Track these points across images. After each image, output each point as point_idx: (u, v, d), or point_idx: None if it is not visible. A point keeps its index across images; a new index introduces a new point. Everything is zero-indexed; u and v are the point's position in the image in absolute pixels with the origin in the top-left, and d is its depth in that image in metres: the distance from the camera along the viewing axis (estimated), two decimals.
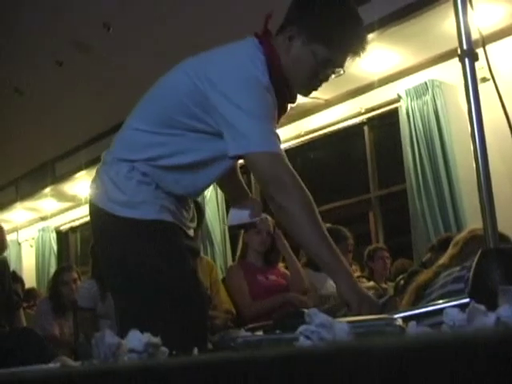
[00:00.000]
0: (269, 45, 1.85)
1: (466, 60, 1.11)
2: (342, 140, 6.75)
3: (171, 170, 1.91)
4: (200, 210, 3.18)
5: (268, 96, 1.77)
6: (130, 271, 1.89)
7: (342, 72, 1.91)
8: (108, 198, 1.91)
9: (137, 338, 0.67)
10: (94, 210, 1.97)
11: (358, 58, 1.92)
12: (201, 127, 1.84)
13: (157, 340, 0.71)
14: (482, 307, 0.79)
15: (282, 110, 1.91)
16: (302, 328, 0.82)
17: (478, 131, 1.21)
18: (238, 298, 3.88)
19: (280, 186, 1.76)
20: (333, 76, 1.91)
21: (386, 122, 6.24)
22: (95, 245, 2.32)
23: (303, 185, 1.79)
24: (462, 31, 1.13)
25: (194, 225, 2.13)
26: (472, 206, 4.81)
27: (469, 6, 1.24)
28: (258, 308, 3.77)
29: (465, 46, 1.13)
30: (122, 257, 1.91)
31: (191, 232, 2.11)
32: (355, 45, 1.91)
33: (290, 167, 1.78)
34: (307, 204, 1.77)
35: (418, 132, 5.52)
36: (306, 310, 1.09)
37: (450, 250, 2.49)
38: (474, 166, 1.25)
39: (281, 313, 3.36)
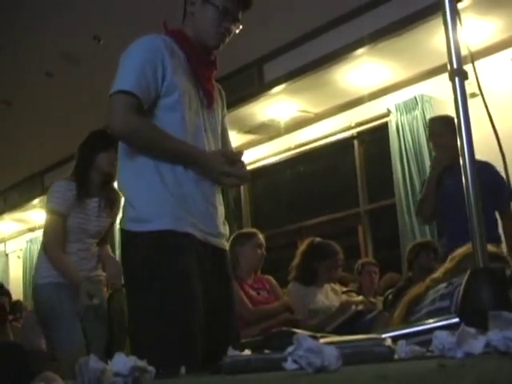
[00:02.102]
0: (171, 30, 2.16)
1: (456, 79, 1.11)
2: (332, 154, 6.75)
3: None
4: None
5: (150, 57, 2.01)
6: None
7: (240, 27, 2.18)
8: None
9: (122, 362, 0.66)
10: None
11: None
12: None
13: (143, 363, 0.69)
14: (472, 330, 0.78)
15: (210, 66, 2.18)
16: (290, 349, 0.80)
17: (468, 149, 1.21)
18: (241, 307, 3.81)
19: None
20: (237, 31, 2.17)
21: (376, 136, 6.26)
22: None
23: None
24: (452, 50, 1.13)
25: (225, 231, 2.16)
26: None
27: (458, 22, 1.24)
28: (260, 314, 3.77)
29: (455, 65, 1.13)
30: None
31: (215, 239, 2.10)
32: None
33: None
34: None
35: (407, 146, 5.54)
36: (295, 330, 1.08)
37: (446, 265, 2.48)
38: (464, 181, 1.25)
39: (270, 332, 3.35)
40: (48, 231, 3.20)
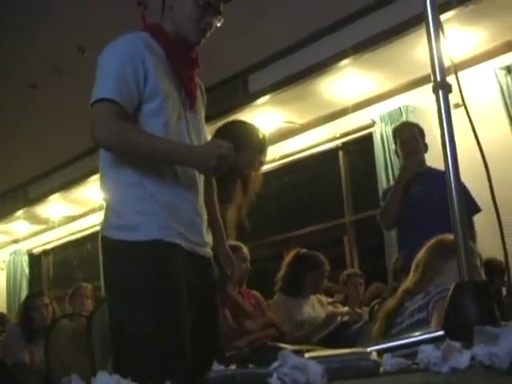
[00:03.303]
0: (149, 25, 2.10)
1: (440, 92, 1.11)
2: (317, 164, 6.77)
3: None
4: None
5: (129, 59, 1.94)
6: None
7: (222, 20, 2.11)
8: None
9: (105, 381, 0.65)
10: None
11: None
12: None
13: (126, 381, 0.68)
14: (457, 345, 0.78)
15: (191, 64, 2.11)
16: (275, 365, 0.80)
17: (452, 161, 1.21)
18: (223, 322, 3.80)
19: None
20: (218, 24, 2.10)
21: (361, 147, 6.28)
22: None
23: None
24: (436, 63, 1.14)
25: (209, 239, 2.12)
26: None
27: (441, 34, 1.25)
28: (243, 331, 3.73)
29: (438, 78, 1.13)
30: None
31: (201, 249, 2.07)
32: None
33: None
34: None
35: (392, 156, 5.56)
36: (280, 345, 1.07)
37: (414, 275, 2.49)
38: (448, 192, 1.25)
39: (255, 346, 3.33)
40: None
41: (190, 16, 2.04)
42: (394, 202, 3.93)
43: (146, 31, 2.07)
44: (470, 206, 3.73)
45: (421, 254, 2.54)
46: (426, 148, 4.10)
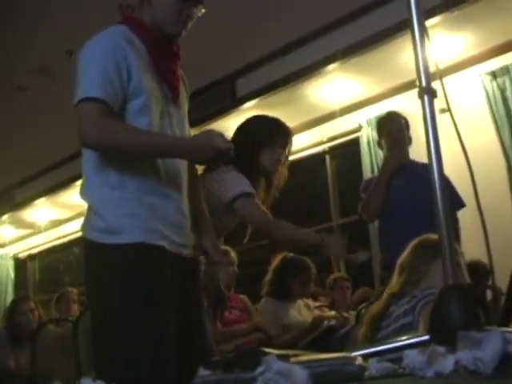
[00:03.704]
0: (128, 17, 2.04)
1: (425, 97, 1.12)
2: (304, 168, 6.77)
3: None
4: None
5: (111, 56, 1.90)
6: None
7: (203, 10, 2.06)
8: None
9: None
10: None
11: None
12: None
13: None
14: (442, 349, 0.78)
15: (173, 58, 2.07)
16: (260, 370, 0.80)
17: (438, 166, 1.21)
18: None
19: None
20: (199, 14, 2.05)
21: (348, 151, 6.29)
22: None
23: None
24: (421, 69, 1.14)
25: (194, 240, 2.09)
26: None
27: (426, 39, 1.26)
28: (230, 335, 3.73)
29: (424, 84, 1.14)
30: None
31: (186, 251, 2.04)
32: None
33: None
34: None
35: (378, 161, 5.58)
36: (265, 350, 1.07)
37: (398, 277, 2.48)
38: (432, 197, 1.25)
39: (240, 351, 3.32)
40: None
41: (170, 8, 1.99)
42: (377, 193, 3.82)
43: (125, 24, 2.02)
44: (455, 201, 3.69)
45: (404, 256, 2.53)
46: (410, 141, 4.01)
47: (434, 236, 2.62)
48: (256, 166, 2.73)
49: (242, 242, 2.85)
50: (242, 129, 2.88)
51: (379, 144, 4.17)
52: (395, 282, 2.47)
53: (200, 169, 2.64)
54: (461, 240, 3.68)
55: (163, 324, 1.88)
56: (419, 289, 2.37)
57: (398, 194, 3.77)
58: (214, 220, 2.58)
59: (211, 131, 1.96)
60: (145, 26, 2.02)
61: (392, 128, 3.97)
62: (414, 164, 3.93)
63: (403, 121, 4.02)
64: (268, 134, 2.76)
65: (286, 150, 2.82)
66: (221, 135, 1.92)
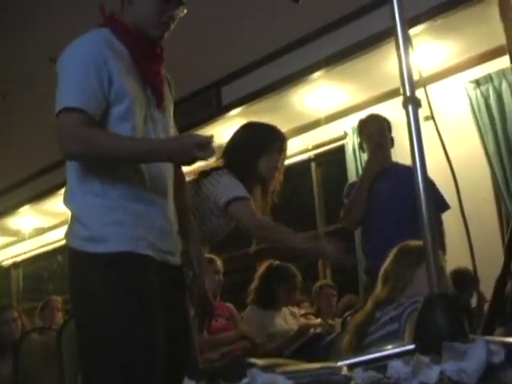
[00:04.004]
0: (108, 19, 2.00)
1: (410, 107, 1.12)
2: (290, 176, 6.73)
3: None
4: None
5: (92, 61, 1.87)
6: None
7: (185, 11, 2.02)
8: None
9: None
10: None
11: None
12: None
13: None
14: (427, 359, 0.78)
15: (157, 60, 2.03)
16: (245, 381, 0.79)
17: (422, 175, 1.21)
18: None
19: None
20: (181, 15, 2.01)
21: (333, 159, 6.30)
22: None
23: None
24: (405, 79, 1.15)
25: (180, 247, 2.06)
26: None
27: (410, 48, 1.26)
28: (215, 343, 3.70)
29: (408, 93, 1.14)
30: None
31: (173, 258, 2.02)
32: None
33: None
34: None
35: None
36: (250, 361, 1.07)
37: (383, 286, 2.49)
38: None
39: (226, 361, 3.30)
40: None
41: (151, 10, 1.95)
42: (359, 198, 3.72)
43: (106, 26, 1.98)
44: (439, 203, 3.67)
45: (388, 264, 2.54)
46: (392, 143, 3.93)
47: (416, 242, 2.64)
48: (253, 172, 2.74)
49: (237, 249, 2.86)
50: (238, 135, 2.88)
51: (361, 147, 4.07)
52: (380, 290, 2.47)
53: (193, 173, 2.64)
54: (446, 243, 3.66)
55: (154, 329, 1.86)
56: (405, 296, 2.38)
57: (380, 198, 3.70)
58: (208, 225, 2.58)
59: (189, 134, 2.00)
60: (126, 27, 1.98)
61: (374, 130, 3.88)
62: (396, 167, 3.89)
63: (385, 123, 3.95)
64: (265, 141, 2.77)
65: (282, 156, 2.85)
66: (196, 135, 1.91)
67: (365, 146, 3.95)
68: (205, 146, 1.84)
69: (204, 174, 2.66)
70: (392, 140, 3.96)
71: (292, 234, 2.56)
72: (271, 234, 2.63)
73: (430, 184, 4.37)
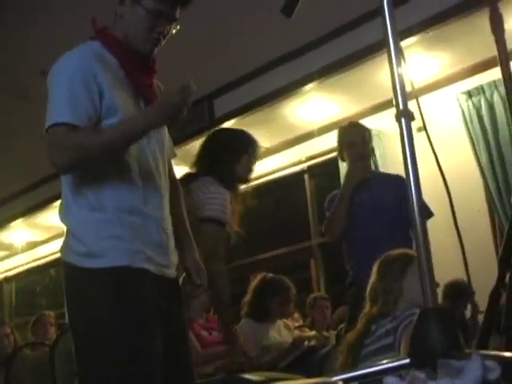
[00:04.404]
0: (99, 32, 2.00)
1: (403, 120, 1.12)
2: (283, 188, 6.78)
3: None
4: None
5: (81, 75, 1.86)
6: None
7: (178, 27, 2.01)
8: None
9: None
10: None
11: (185, 9, 2.02)
12: None
13: None
14: (422, 375, 0.77)
15: (149, 72, 2.02)
16: None
17: (415, 187, 1.21)
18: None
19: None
20: (173, 31, 2.01)
21: (326, 170, 6.30)
22: None
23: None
24: (398, 92, 1.14)
25: (177, 259, 2.05)
26: None
27: (402, 61, 1.26)
28: (209, 357, 3.68)
29: (401, 106, 1.14)
30: None
31: (170, 271, 2.01)
32: None
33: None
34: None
35: None
36: (246, 377, 1.06)
37: (372, 303, 2.49)
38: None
39: (219, 378, 3.29)
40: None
41: (141, 25, 1.95)
42: (340, 211, 3.59)
43: (97, 39, 1.98)
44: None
45: (373, 281, 2.54)
46: (372, 152, 3.86)
47: (396, 251, 2.66)
48: (233, 174, 2.87)
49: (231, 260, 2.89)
50: (212, 140, 2.99)
51: (340, 156, 3.89)
52: (370, 307, 2.47)
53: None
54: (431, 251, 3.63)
55: (151, 342, 1.85)
56: (399, 308, 2.38)
57: (361, 209, 3.60)
58: (199, 232, 2.58)
59: (166, 92, 1.95)
60: (117, 40, 1.97)
61: (354, 139, 3.73)
62: (377, 176, 3.83)
63: (366, 132, 3.82)
64: (241, 144, 2.91)
65: (256, 158, 3.01)
66: (175, 92, 1.86)
67: (345, 155, 3.80)
68: (182, 92, 1.84)
69: (191, 179, 2.71)
70: (372, 149, 3.88)
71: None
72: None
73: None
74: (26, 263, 9.03)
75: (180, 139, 5.95)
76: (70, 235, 1.93)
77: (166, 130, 2.11)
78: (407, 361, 1.07)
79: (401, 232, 3.39)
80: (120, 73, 1.94)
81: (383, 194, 3.57)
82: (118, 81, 1.92)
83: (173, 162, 2.23)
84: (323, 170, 6.39)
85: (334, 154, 5.97)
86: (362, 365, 2.23)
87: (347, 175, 3.76)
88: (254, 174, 7.11)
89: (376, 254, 3.00)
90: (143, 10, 1.93)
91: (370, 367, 1.13)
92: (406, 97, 1.16)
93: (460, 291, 3.86)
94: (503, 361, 0.80)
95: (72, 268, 1.90)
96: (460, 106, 5.06)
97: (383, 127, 5.54)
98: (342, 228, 3.62)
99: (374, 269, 2.55)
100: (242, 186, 3.07)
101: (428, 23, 4.50)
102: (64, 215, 1.96)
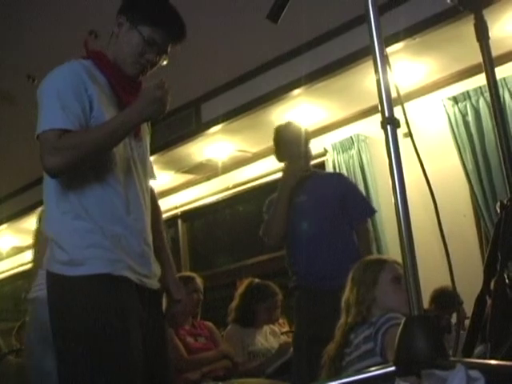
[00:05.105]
0: (92, 52, 2.07)
1: (388, 127, 1.12)
2: (270, 193, 6.75)
3: None
4: None
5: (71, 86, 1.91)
6: None
7: (166, 61, 2.10)
8: None
9: None
10: None
11: (178, 46, 2.14)
12: None
13: None
14: None
15: (135, 92, 2.04)
16: None
17: (401, 194, 1.21)
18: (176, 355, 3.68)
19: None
20: (164, 63, 2.10)
21: None
22: None
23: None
24: (384, 100, 1.15)
25: (157, 270, 2.07)
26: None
27: (388, 67, 1.26)
28: (196, 363, 3.65)
29: (386, 114, 1.14)
30: None
31: (150, 281, 2.03)
32: (173, 26, 2.11)
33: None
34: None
35: None
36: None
37: (347, 315, 2.50)
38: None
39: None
40: None
41: (132, 49, 2.03)
42: (278, 213, 3.52)
43: (89, 59, 2.04)
44: (364, 209, 3.63)
45: (346, 294, 2.55)
46: (310, 153, 3.73)
47: (366, 259, 2.69)
48: None
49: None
50: None
51: (277, 156, 3.84)
52: (345, 318, 2.49)
53: None
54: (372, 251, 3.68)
55: (131, 351, 1.86)
56: (373, 315, 2.40)
57: (300, 212, 3.53)
58: None
59: (148, 87, 1.97)
60: (108, 61, 2.05)
61: (292, 139, 3.66)
62: (316, 176, 3.76)
63: (304, 132, 3.72)
64: None
65: None
66: (154, 87, 1.93)
67: (282, 154, 3.75)
68: (160, 86, 1.90)
69: None
70: (310, 149, 3.76)
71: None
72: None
73: (352, 188, 4.27)
74: (11, 268, 8.97)
75: (167, 144, 5.94)
76: (54, 245, 1.95)
77: (148, 147, 2.16)
78: (392, 368, 1.07)
79: (342, 229, 3.44)
80: (109, 91, 2.01)
81: (322, 192, 3.55)
82: (106, 97, 1.98)
83: (159, 166, 2.28)
84: None
85: (321, 159, 5.99)
86: (344, 373, 2.24)
87: (282, 177, 3.72)
88: (241, 179, 7.16)
89: (320, 253, 3.00)
90: (139, 36, 2.03)
91: (356, 375, 1.13)
92: (392, 104, 1.16)
93: (448, 300, 3.87)
94: (487, 370, 0.80)
95: (55, 277, 1.93)
96: (446, 111, 5.08)
97: (370, 132, 5.56)
98: (281, 231, 3.55)
99: (348, 283, 2.58)
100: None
101: (414, 29, 4.52)
102: (48, 226, 1.99)
